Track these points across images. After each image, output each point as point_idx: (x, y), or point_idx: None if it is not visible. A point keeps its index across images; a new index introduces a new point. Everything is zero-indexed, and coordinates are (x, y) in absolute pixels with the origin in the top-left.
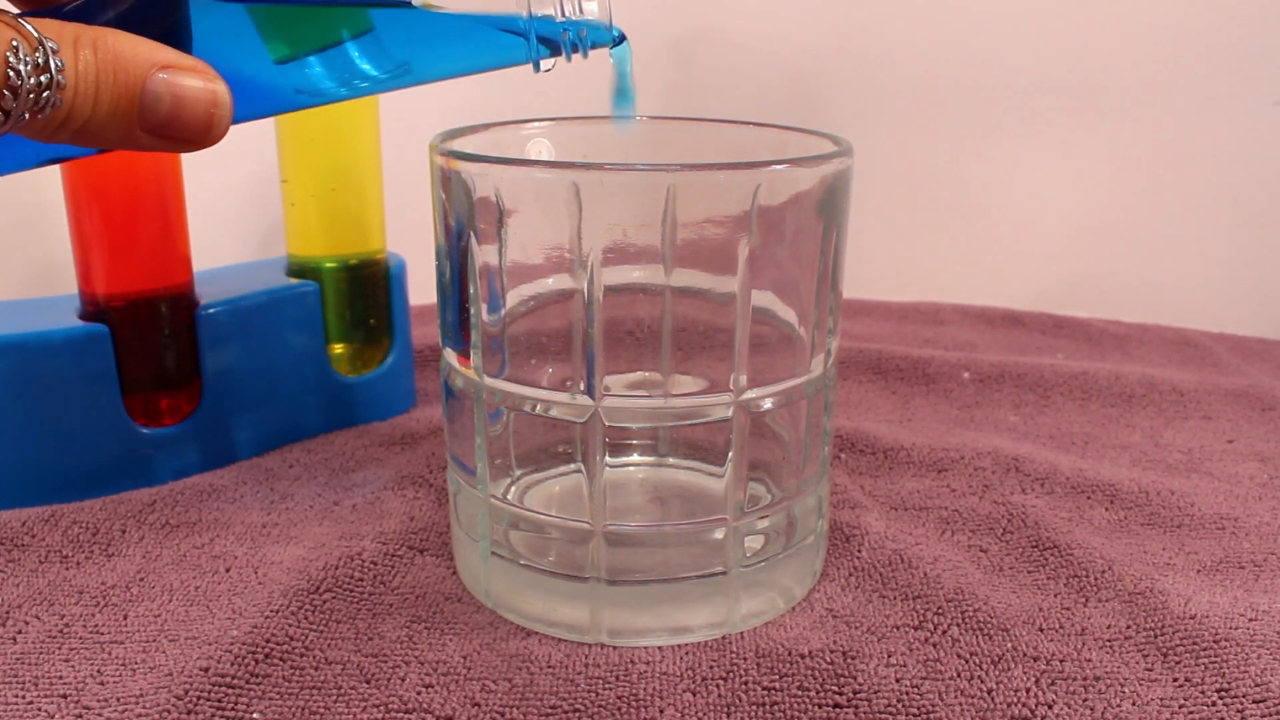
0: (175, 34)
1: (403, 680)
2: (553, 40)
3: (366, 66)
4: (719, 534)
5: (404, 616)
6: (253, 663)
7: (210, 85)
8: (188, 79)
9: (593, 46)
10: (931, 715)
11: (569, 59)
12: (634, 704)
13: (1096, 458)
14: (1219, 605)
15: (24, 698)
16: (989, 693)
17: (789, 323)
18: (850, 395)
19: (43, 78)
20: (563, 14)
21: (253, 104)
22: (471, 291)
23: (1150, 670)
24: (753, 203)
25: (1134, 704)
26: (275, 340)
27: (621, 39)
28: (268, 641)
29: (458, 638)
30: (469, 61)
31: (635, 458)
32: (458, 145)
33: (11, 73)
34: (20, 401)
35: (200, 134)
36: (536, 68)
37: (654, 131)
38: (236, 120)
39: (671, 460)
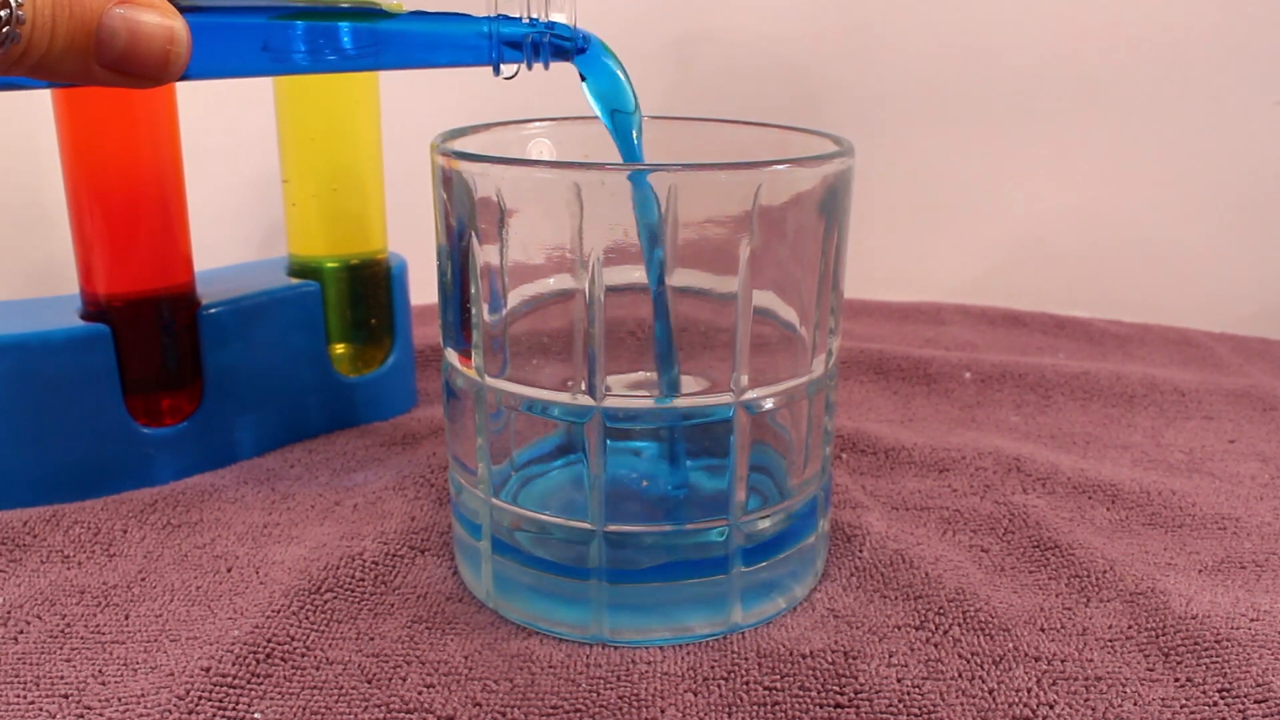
0: None
1: (404, 680)
2: (517, 44)
3: (344, 38)
4: (720, 534)
5: (405, 616)
6: (254, 663)
7: (167, 21)
8: (144, 14)
9: (555, 54)
10: (933, 715)
11: (530, 66)
12: (635, 704)
13: (1098, 458)
14: (1220, 605)
15: (25, 697)
16: (990, 693)
17: (790, 323)
18: (851, 395)
19: (2, 12)
20: (528, 15)
21: (218, 59)
22: (473, 291)
23: (1152, 670)
24: (754, 203)
25: (1135, 704)
26: (276, 340)
27: (582, 49)
28: (269, 641)
29: (459, 638)
30: (431, 55)
31: (636, 458)
32: (459, 145)
33: None
34: (21, 401)
35: (157, 70)
36: (496, 71)
37: (654, 131)
38: (202, 76)
39: (673, 460)
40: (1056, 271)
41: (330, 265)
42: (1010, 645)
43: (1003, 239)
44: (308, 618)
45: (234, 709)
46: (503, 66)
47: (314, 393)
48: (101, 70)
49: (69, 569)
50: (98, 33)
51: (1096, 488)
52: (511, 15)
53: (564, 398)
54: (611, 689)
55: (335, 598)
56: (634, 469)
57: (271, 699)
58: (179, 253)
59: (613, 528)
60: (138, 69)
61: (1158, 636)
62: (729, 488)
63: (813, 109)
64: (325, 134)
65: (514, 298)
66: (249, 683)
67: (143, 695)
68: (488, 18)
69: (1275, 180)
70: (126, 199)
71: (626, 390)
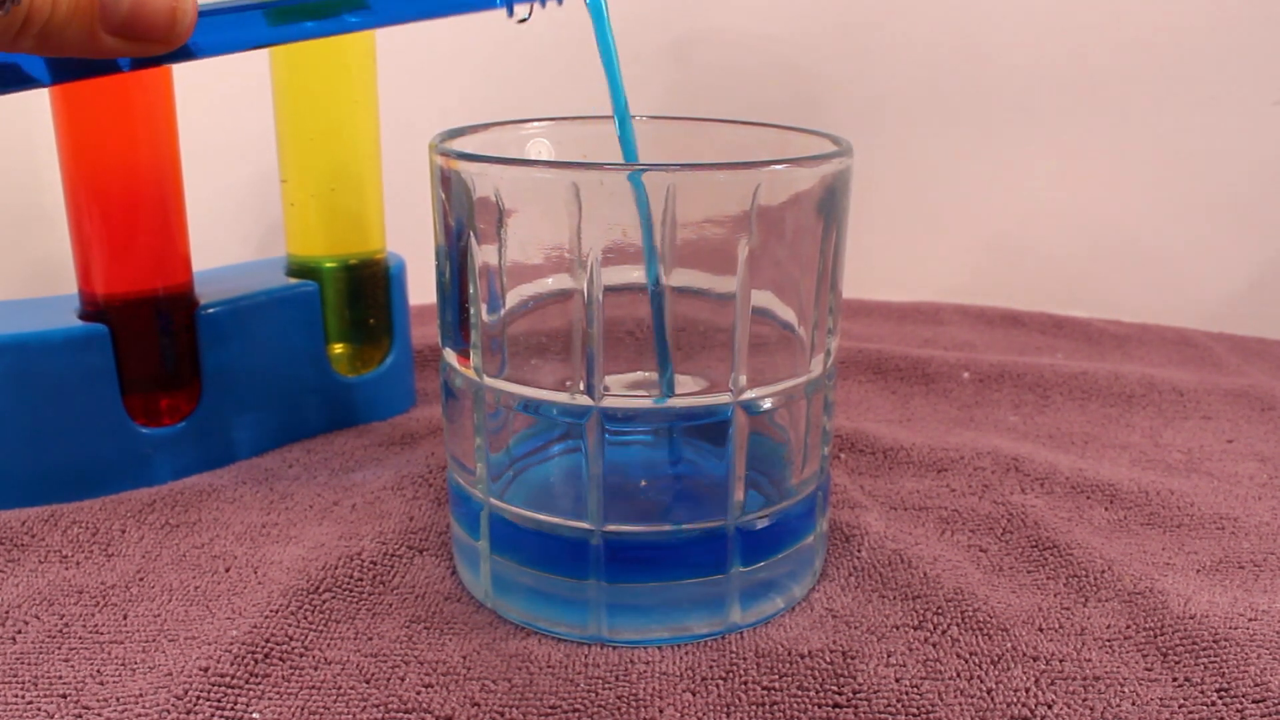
0: None
1: (402, 680)
2: None
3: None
4: (718, 534)
5: (403, 616)
6: (252, 662)
7: None
8: None
9: None
10: (931, 715)
11: (544, 4)
12: (634, 704)
13: (1096, 458)
14: (1218, 605)
15: (23, 697)
16: (989, 692)
17: (789, 323)
18: (850, 395)
19: None
20: None
21: (224, 30)
22: (471, 291)
23: (1150, 670)
24: (752, 203)
25: (1133, 704)
26: (275, 340)
27: None
28: (267, 641)
29: (457, 637)
30: (444, 3)
31: (635, 458)
32: (457, 145)
33: None
34: (20, 401)
35: (164, 32)
36: (510, 12)
37: (654, 131)
38: (210, 51)
39: (671, 460)
40: (1055, 271)
41: (329, 265)
42: (1009, 645)
43: (1001, 239)
44: (306, 617)
45: (232, 709)
46: (516, 7)
47: (312, 393)
48: (108, 37)
49: (67, 569)
50: None
51: (1095, 487)
52: None
53: (562, 397)
54: (610, 689)
55: (334, 597)
56: (633, 468)
57: (270, 699)
58: (177, 252)
59: (611, 527)
60: (144, 32)
61: (1156, 636)
62: (727, 487)
63: (813, 109)
64: (324, 134)
65: (512, 298)
66: (247, 683)
67: (141, 695)
68: None
69: (1274, 180)
70: (125, 199)
71: (625, 390)
